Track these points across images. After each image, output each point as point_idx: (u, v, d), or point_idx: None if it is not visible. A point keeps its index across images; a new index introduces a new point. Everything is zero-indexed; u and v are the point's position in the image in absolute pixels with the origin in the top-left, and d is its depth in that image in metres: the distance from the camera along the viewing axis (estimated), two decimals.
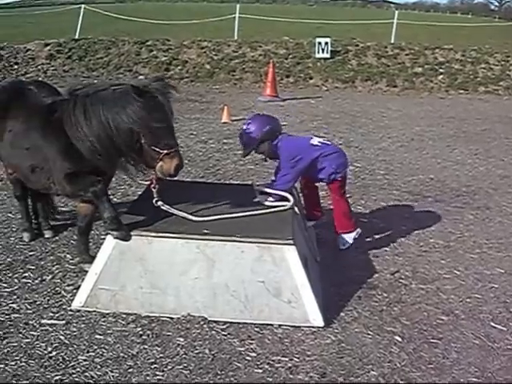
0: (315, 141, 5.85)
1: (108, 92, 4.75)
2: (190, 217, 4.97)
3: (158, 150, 4.57)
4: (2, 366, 4.04)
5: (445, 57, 20.24)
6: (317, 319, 4.61)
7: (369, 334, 4.58)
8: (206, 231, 4.71)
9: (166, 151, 4.58)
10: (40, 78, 16.84)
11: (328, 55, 19.94)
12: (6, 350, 4.22)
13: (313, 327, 4.60)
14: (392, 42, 21.41)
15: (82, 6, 23.05)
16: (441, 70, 19.65)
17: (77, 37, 21.28)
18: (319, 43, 19.92)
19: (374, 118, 13.90)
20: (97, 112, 4.69)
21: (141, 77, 4.83)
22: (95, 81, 5.50)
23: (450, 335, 4.62)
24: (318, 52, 19.93)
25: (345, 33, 23.38)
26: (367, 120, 13.67)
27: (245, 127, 5.72)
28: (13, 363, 4.08)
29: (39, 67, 19.31)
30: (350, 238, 6.01)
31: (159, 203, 4.98)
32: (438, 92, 18.72)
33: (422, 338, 4.56)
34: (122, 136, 4.65)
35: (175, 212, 5.02)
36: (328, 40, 19.97)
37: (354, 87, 19.01)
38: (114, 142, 4.70)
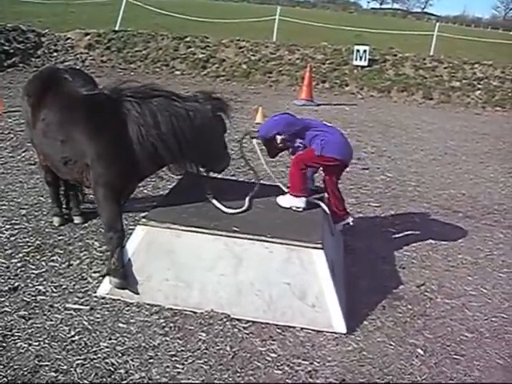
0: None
1: (178, 105, 4.98)
2: (228, 210, 5.09)
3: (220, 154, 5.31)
4: (26, 345, 4.11)
5: (484, 72, 19.98)
6: (339, 325, 4.60)
7: (391, 345, 4.56)
8: (235, 228, 4.71)
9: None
10: (78, 67, 17.01)
11: (366, 63, 19.84)
12: (30, 331, 4.29)
13: (335, 333, 4.58)
14: (431, 54, 21.22)
15: None
16: (479, 86, 19.40)
17: (117, 28, 21.44)
18: (357, 51, 19.83)
19: (408, 130, 13.79)
20: (167, 123, 4.89)
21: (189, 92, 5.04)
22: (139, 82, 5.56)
23: (473, 353, 4.57)
24: (356, 59, 19.83)
25: (383, 42, 23.22)
26: (401, 131, 13.56)
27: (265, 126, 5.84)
28: (36, 344, 4.15)
29: (78, 56, 19.49)
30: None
31: (209, 196, 5.28)
32: (474, 108, 18.49)
33: (444, 353, 4.52)
34: (191, 146, 5.00)
35: (219, 206, 5.15)
36: (366, 48, 19.88)
37: (390, 97, 18.87)
38: (180, 150, 4.98)
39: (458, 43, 24.99)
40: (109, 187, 4.97)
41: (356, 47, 19.93)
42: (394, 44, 22.83)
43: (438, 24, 24.33)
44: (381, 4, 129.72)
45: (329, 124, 5.85)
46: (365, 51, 19.80)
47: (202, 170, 5.40)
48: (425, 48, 21.84)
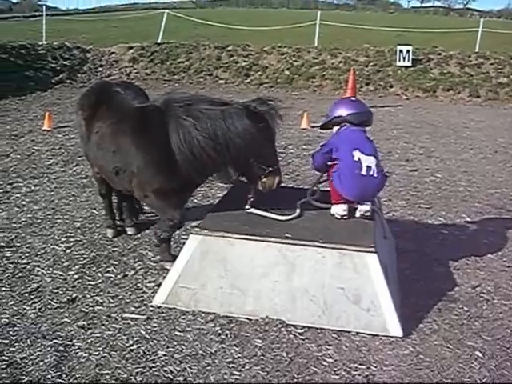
0: (357, 156, 5.09)
1: (217, 112, 4.90)
2: (279, 217, 5.08)
3: (264, 167, 4.94)
4: (86, 355, 4.19)
5: None
6: (395, 329, 4.55)
7: (448, 348, 4.48)
8: (287, 235, 4.73)
9: (270, 168, 4.96)
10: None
11: (409, 63, 19.66)
12: (89, 341, 4.37)
13: (391, 337, 4.53)
14: (476, 50, 20.86)
15: (166, 11, 23.59)
16: None
17: (159, 41, 21.78)
18: (400, 51, 19.67)
19: (456, 129, 13.59)
20: (206, 130, 4.85)
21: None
22: (191, 93, 5.64)
23: None
24: (400, 60, 19.68)
25: (426, 41, 22.94)
26: (449, 130, 13.37)
27: (335, 102, 5.60)
28: (96, 353, 4.22)
29: (122, 70, 19.91)
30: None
31: (251, 210, 5.21)
32: None
33: (504, 356, 4.41)
34: (231, 154, 4.89)
35: (265, 214, 5.14)
36: (410, 48, 19.70)
37: (436, 97, 18.63)
38: (221, 158, 4.94)
39: (503, 38, 24.47)
40: (158, 193, 5.21)
41: (399, 48, 19.78)
42: (438, 42, 22.53)
43: (482, 20, 23.92)
44: (421, 2, 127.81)
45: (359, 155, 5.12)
46: (408, 51, 19.63)
47: (250, 185, 5.17)
48: (469, 45, 21.50)
